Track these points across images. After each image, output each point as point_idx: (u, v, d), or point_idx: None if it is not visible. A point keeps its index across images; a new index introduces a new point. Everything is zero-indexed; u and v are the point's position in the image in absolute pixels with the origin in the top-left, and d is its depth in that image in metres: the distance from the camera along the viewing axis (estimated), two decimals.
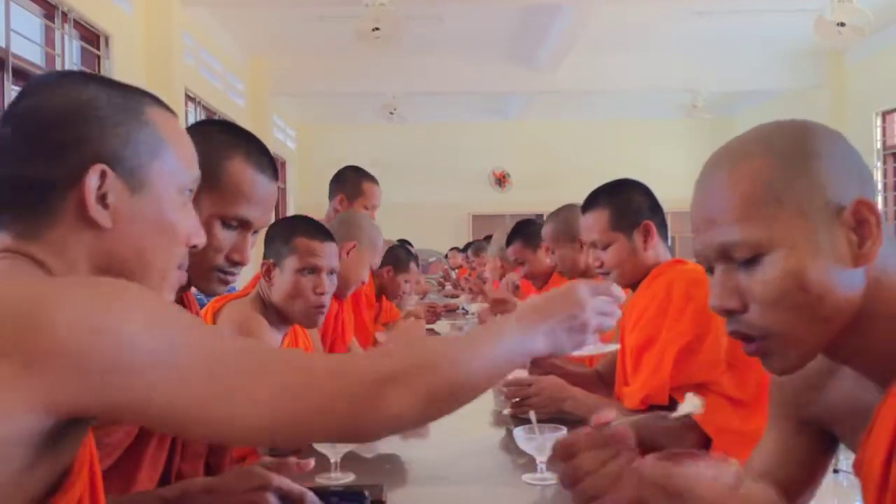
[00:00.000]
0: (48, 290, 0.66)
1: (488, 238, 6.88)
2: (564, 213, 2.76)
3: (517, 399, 1.89)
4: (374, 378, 0.74)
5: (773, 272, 0.76)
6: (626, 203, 1.86)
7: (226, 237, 1.17)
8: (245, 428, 0.71)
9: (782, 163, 0.77)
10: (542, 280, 3.13)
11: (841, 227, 0.75)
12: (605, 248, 1.86)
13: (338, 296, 2.61)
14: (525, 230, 3.14)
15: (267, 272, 1.84)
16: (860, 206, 0.75)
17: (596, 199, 1.89)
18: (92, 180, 0.76)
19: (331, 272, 1.87)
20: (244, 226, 1.19)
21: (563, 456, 0.84)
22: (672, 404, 1.65)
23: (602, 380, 2.16)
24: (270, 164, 1.24)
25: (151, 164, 0.81)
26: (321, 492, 1.22)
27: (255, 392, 0.70)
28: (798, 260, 0.75)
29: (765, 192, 0.76)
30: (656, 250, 1.88)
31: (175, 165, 0.84)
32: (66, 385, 0.63)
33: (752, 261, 0.77)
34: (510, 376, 1.86)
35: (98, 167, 0.77)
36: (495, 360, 0.83)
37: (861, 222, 0.74)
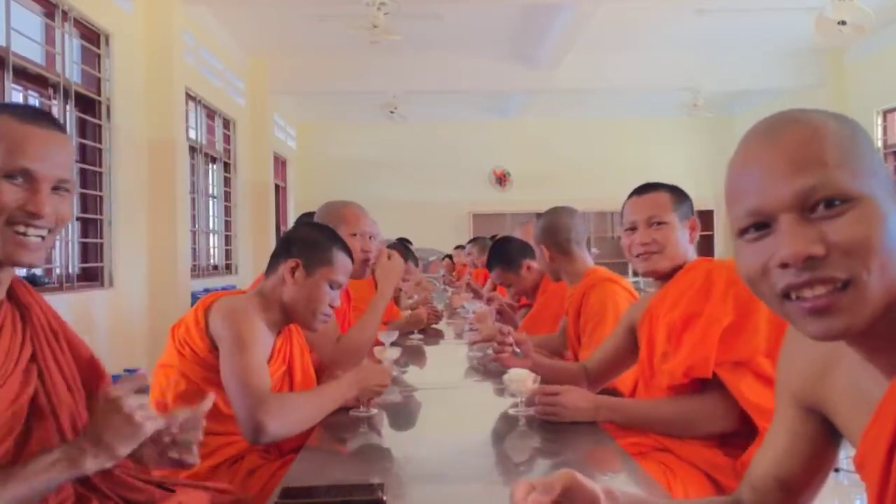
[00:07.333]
0: None
1: (475, 240, 6.95)
2: (556, 216, 2.77)
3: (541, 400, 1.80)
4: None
5: None
6: (684, 196, 2.00)
7: (10, 191, 1.12)
8: None
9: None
10: (532, 292, 3.29)
11: None
12: (660, 225, 1.92)
13: None
14: (501, 254, 3.32)
15: (291, 270, 1.84)
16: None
17: (654, 186, 2.00)
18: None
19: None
20: (29, 178, 1.13)
21: None
22: (714, 379, 1.67)
23: (588, 376, 2.14)
24: (43, 114, 1.19)
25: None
26: (337, 486, 1.23)
27: None
28: None
29: None
30: (691, 250, 1.97)
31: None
32: None
33: None
34: (535, 385, 1.82)
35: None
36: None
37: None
